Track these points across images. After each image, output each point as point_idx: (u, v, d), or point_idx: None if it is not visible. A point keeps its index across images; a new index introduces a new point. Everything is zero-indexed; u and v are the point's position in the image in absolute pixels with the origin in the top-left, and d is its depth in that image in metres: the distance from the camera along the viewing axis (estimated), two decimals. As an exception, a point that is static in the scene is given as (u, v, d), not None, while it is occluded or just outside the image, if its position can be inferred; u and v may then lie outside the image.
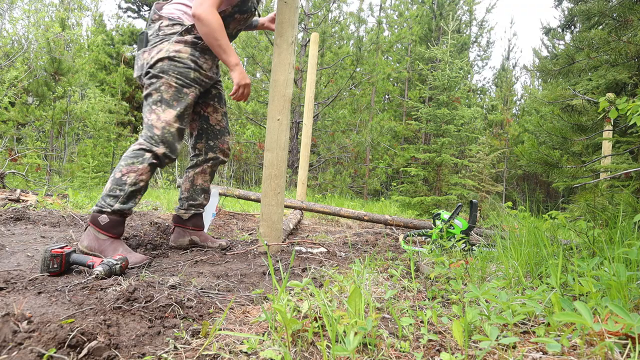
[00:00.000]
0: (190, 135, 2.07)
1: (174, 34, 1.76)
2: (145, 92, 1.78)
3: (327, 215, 3.71)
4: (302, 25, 9.19)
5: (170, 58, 1.73)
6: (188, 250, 2.07)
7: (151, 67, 1.74)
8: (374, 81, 9.73)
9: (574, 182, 2.74)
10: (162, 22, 1.77)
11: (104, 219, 1.68)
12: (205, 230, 2.22)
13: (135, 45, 15.25)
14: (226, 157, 2.12)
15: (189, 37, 1.77)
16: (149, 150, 1.72)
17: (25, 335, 0.84)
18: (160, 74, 1.73)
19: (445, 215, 2.43)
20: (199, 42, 1.80)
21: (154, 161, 1.73)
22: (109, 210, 1.68)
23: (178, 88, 1.75)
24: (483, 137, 8.40)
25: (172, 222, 2.08)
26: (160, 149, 1.73)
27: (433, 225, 2.46)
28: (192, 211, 2.05)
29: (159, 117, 1.73)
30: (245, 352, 0.87)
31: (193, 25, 1.77)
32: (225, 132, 2.11)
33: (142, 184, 1.72)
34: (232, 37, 1.97)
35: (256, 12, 2.00)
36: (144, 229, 2.41)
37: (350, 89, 10.26)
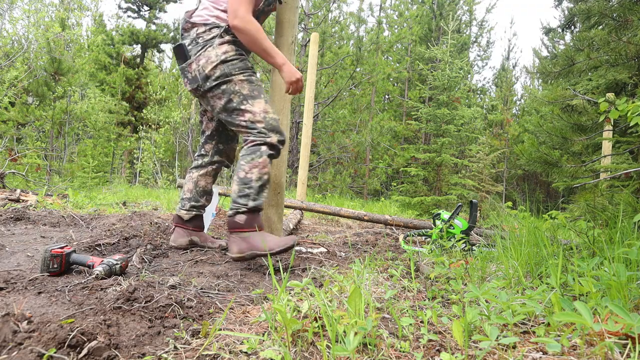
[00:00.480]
0: (202, 134, 2.06)
1: (214, 38, 1.75)
2: (219, 103, 1.77)
3: (327, 215, 3.71)
4: (302, 25, 9.19)
5: (223, 61, 1.73)
6: (188, 250, 2.07)
7: (209, 78, 1.74)
8: (374, 81, 9.74)
9: (574, 182, 2.74)
10: (197, 30, 1.77)
11: (241, 218, 1.70)
12: (205, 230, 2.22)
13: (135, 45, 15.26)
14: (231, 162, 2.13)
15: (228, 37, 1.77)
16: (264, 143, 1.72)
17: (25, 335, 0.84)
18: (226, 78, 1.73)
19: (445, 215, 2.43)
20: (238, 39, 1.81)
21: (271, 152, 1.74)
22: (245, 209, 1.70)
23: (249, 79, 1.76)
24: (483, 137, 8.40)
25: (173, 222, 2.07)
26: (273, 138, 1.73)
27: (433, 225, 2.46)
28: (194, 212, 2.04)
29: (253, 111, 1.73)
30: (245, 352, 0.87)
31: (228, 25, 1.77)
32: (236, 140, 2.11)
33: (266, 177, 1.73)
34: None
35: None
36: (144, 229, 2.41)
37: (350, 89, 10.26)
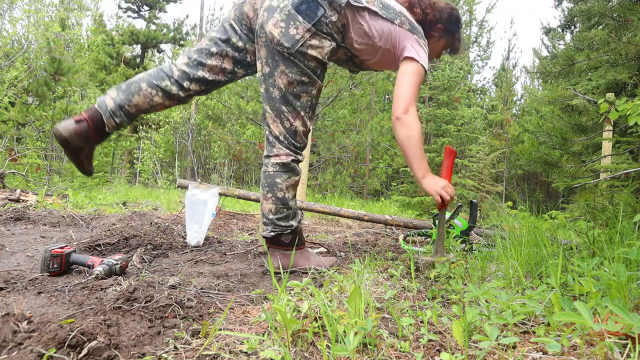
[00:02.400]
0: (197, 67, 1.66)
1: (335, 39, 1.56)
2: (284, 78, 1.53)
3: (327, 215, 3.71)
4: (302, 25, 9.18)
5: (323, 63, 1.56)
6: (188, 251, 2.08)
7: (304, 56, 1.50)
8: (374, 81, 9.74)
9: (574, 182, 2.74)
10: (335, 18, 1.52)
11: (287, 238, 1.65)
12: (205, 231, 2.22)
13: (135, 45, 15.25)
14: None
15: (335, 48, 1.59)
16: (297, 161, 1.64)
17: (25, 335, 0.84)
18: (313, 74, 1.55)
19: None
20: (330, 59, 1.65)
21: (300, 168, 1.67)
22: (289, 231, 1.64)
23: (317, 95, 1.63)
24: (483, 137, 8.40)
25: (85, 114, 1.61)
26: (302, 157, 1.67)
27: (433, 225, 2.46)
28: (117, 120, 1.69)
29: (306, 124, 1.61)
30: (245, 352, 0.87)
31: (342, 46, 1.61)
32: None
33: (294, 192, 1.66)
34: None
35: None
36: (144, 229, 2.40)
37: (350, 89, 10.25)
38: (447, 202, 1.67)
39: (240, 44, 1.65)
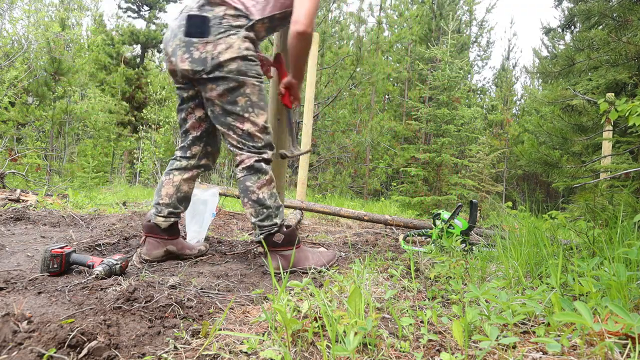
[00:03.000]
0: (186, 133, 1.81)
1: (240, 27, 1.58)
2: (220, 100, 1.60)
3: (327, 215, 3.71)
4: (302, 25, 9.18)
5: (244, 57, 1.58)
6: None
7: (221, 66, 1.55)
8: (374, 81, 9.73)
9: (574, 182, 2.74)
10: (227, 10, 1.57)
11: (279, 238, 1.66)
12: (205, 231, 2.22)
13: (135, 45, 15.26)
14: (213, 164, 1.98)
15: (252, 35, 1.63)
16: (261, 160, 1.66)
17: (25, 335, 0.84)
18: (239, 77, 1.58)
19: (445, 215, 2.43)
20: (258, 42, 1.70)
21: (269, 166, 1.69)
22: (276, 229, 1.66)
23: (260, 87, 1.65)
24: (483, 137, 8.41)
25: (144, 232, 1.78)
26: (268, 154, 1.68)
27: (433, 225, 2.46)
28: (172, 219, 1.80)
29: (256, 123, 1.63)
30: (245, 352, 0.87)
31: (258, 22, 1.63)
32: (220, 142, 1.94)
33: (274, 190, 1.68)
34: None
35: None
36: (144, 229, 2.41)
37: (350, 89, 10.26)
38: (293, 99, 1.85)
39: (191, 92, 1.74)
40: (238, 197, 3.55)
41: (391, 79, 15.28)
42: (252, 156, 1.64)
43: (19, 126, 9.59)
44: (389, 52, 12.76)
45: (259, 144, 1.65)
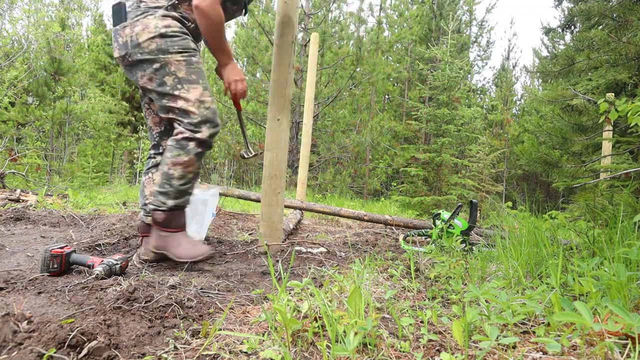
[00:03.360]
0: (151, 130, 1.83)
1: (158, 7, 1.59)
2: (150, 84, 1.60)
3: (327, 215, 3.71)
4: (302, 25, 9.19)
5: (162, 35, 1.55)
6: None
7: (140, 47, 1.55)
8: (374, 81, 9.73)
9: (574, 182, 2.74)
10: None
11: (160, 216, 1.63)
12: (205, 231, 2.22)
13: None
14: None
15: (175, 14, 1.61)
16: (192, 139, 1.59)
17: (25, 335, 0.84)
18: (160, 55, 1.56)
19: (445, 215, 2.43)
20: (187, 22, 1.66)
21: (199, 150, 1.61)
22: (164, 208, 1.62)
23: (188, 60, 1.59)
24: (483, 137, 8.40)
25: (139, 232, 1.80)
26: (204, 133, 1.60)
27: (433, 225, 2.46)
28: None
29: (188, 98, 1.58)
30: (245, 352, 0.87)
31: (180, 1, 1.63)
32: None
33: (190, 175, 1.63)
34: None
35: (245, 8, 1.87)
36: (144, 229, 2.41)
37: (350, 89, 10.25)
38: (238, 96, 1.78)
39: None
40: (238, 197, 3.55)
41: (391, 79, 15.29)
42: (183, 132, 1.60)
43: (19, 126, 9.59)
44: (389, 52, 12.77)
45: (195, 120, 1.59)
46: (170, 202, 1.62)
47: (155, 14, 1.57)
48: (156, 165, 1.82)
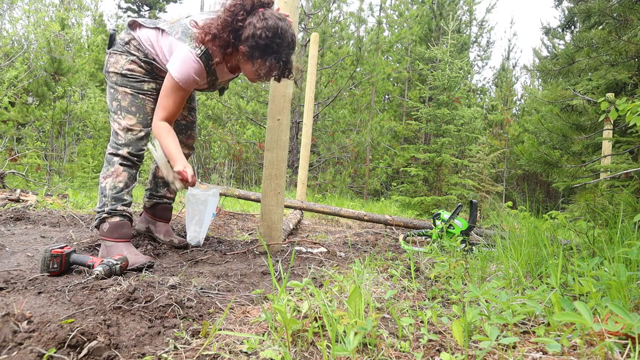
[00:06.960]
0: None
1: (133, 55, 1.87)
2: (107, 94, 1.93)
3: (327, 215, 3.71)
4: (302, 25, 9.19)
5: (123, 75, 1.85)
6: (188, 250, 2.08)
7: (108, 73, 1.89)
8: (374, 81, 9.73)
9: (574, 182, 2.74)
10: (132, 41, 1.87)
11: (104, 227, 1.78)
12: (205, 231, 2.22)
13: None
14: (191, 150, 2.22)
15: (143, 64, 1.88)
16: (116, 155, 1.85)
17: (25, 335, 0.84)
18: (116, 86, 1.87)
19: (445, 215, 2.43)
20: (153, 71, 1.91)
21: (123, 162, 1.85)
22: (100, 217, 1.80)
23: (133, 96, 1.87)
24: (483, 137, 8.39)
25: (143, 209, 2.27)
26: (124, 151, 1.84)
27: (433, 225, 2.46)
28: (154, 200, 2.19)
29: (120, 124, 1.85)
30: (245, 352, 0.87)
31: (154, 60, 1.87)
32: (192, 127, 2.19)
33: (121, 184, 1.83)
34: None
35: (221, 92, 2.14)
36: (144, 229, 2.40)
37: (350, 89, 10.25)
38: (188, 178, 1.85)
39: None
40: (238, 197, 3.55)
41: (391, 79, 15.28)
42: (110, 148, 1.87)
43: (19, 126, 9.59)
44: (389, 52, 12.77)
45: (119, 141, 1.85)
46: (106, 209, 1.80)
47: (128, 57, 1.86)
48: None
